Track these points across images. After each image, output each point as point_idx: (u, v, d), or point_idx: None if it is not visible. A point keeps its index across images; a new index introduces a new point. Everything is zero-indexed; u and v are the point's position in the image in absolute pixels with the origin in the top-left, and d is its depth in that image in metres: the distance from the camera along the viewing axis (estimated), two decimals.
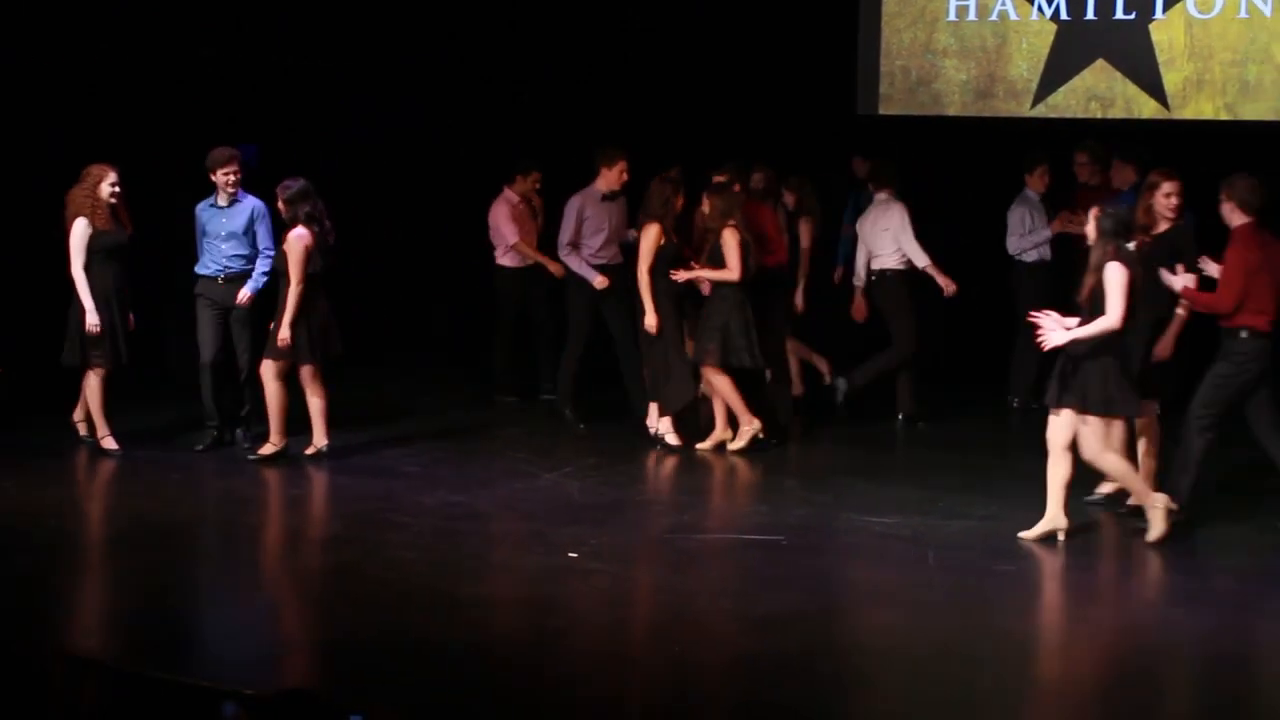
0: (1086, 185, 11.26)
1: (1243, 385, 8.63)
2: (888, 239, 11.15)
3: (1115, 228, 8.28)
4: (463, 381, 12.45)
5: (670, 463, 10.36)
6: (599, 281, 10.83)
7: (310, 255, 9.65)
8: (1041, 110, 12.12)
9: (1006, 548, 8.50)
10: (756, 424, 10.29)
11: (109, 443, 10.09)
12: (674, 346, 10.36)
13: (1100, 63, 11.98)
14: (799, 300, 11.33)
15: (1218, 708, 6.75)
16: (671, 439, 10.49)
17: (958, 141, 12.22)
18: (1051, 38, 12.18)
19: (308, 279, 9.67)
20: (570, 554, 8.32)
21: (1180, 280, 8.78)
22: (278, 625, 7.65)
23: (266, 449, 9.98)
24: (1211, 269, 8.77)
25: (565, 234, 10.88)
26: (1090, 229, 8.41)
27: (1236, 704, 6.75)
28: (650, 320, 10.25)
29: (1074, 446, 8.41)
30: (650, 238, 10.20)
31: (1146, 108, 11.83)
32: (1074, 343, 8.32)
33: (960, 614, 7.65)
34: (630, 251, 10.70)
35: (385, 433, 10.82)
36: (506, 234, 11.61)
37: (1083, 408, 8.30)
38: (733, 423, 10.40)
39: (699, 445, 10.48)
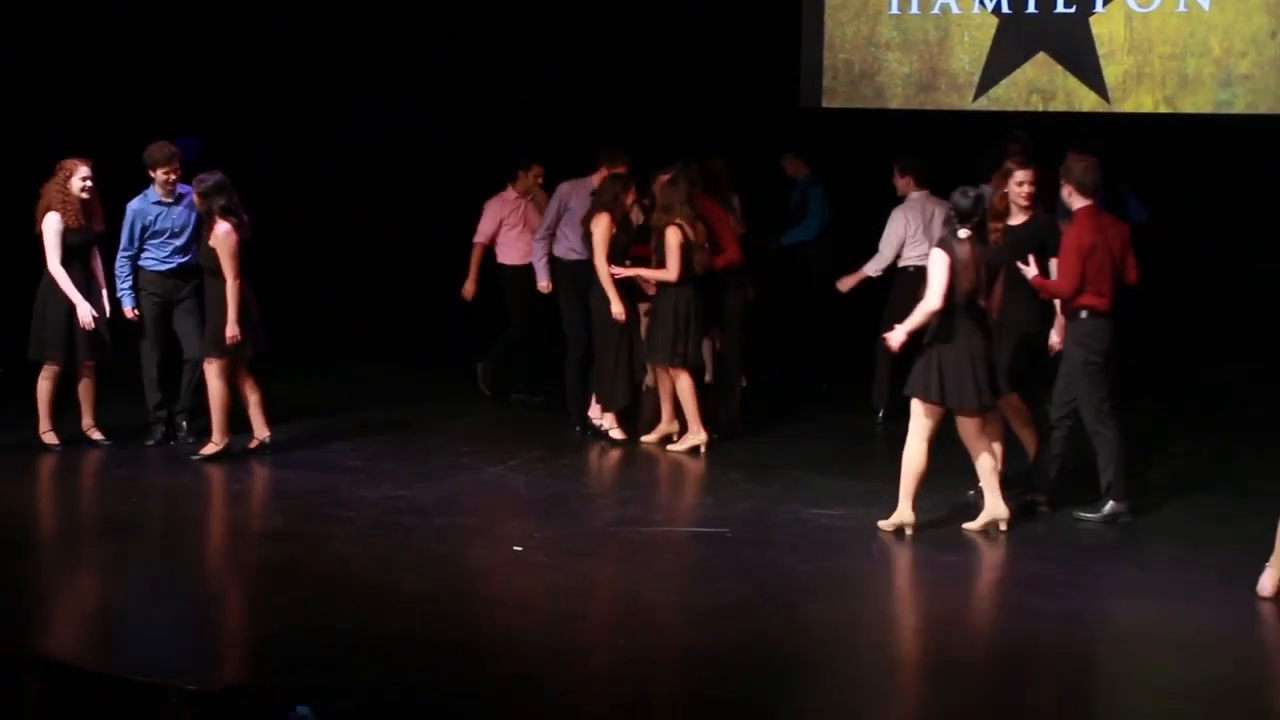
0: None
1: (1092, 370, 8.64)
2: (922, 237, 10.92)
3: (957, 213, 8.30)
4: (459, 380, 12.32)
5: (615, 456, 10.36)
6: (543, 285, 10.90)
7: (239, 249, 9.56)
8: (983, 103, 12.22)
9: (949, 539, 8.55)
10: (704, 437, 10.28)
11: (50, 438, 10.04)
12: (624, 344, 10.33)
13: (1041, 56, 12.11)
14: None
15: (1170, 693, 6.80)
16: (615, 433, 10.51)
17: (900, 134, 12.19)
18: (993, 31, 12.27)
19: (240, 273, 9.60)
20: (515, 548, 8.33)
21: (1031, 269, 8.78)
22: (219, 621, 7.58)
23: (210, 448, 9.91)
24: (1029, 271, 8.77)
25: (545, 221, 10.90)
26: None
27: (1187, 692, 6.79)
28: (616, 308, 10.20)
29: (990, 433, 8.52)
30: (602, 227, 10.18)
31: (1087, 100, 11.93)
32: (913, 334, 8.39)
33: (904, 604, 7.73)
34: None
35: (332, 426, 10.82)
36: (481, 227, 11.52)
37: (913, 393, 8.44)
38: (681, 419, 10.39)
39: (644, 438, 10.51)
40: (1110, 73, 11.86)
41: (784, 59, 12.68)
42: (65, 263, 9.82)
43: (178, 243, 10.12)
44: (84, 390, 10.07)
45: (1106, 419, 8.71)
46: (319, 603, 7.48)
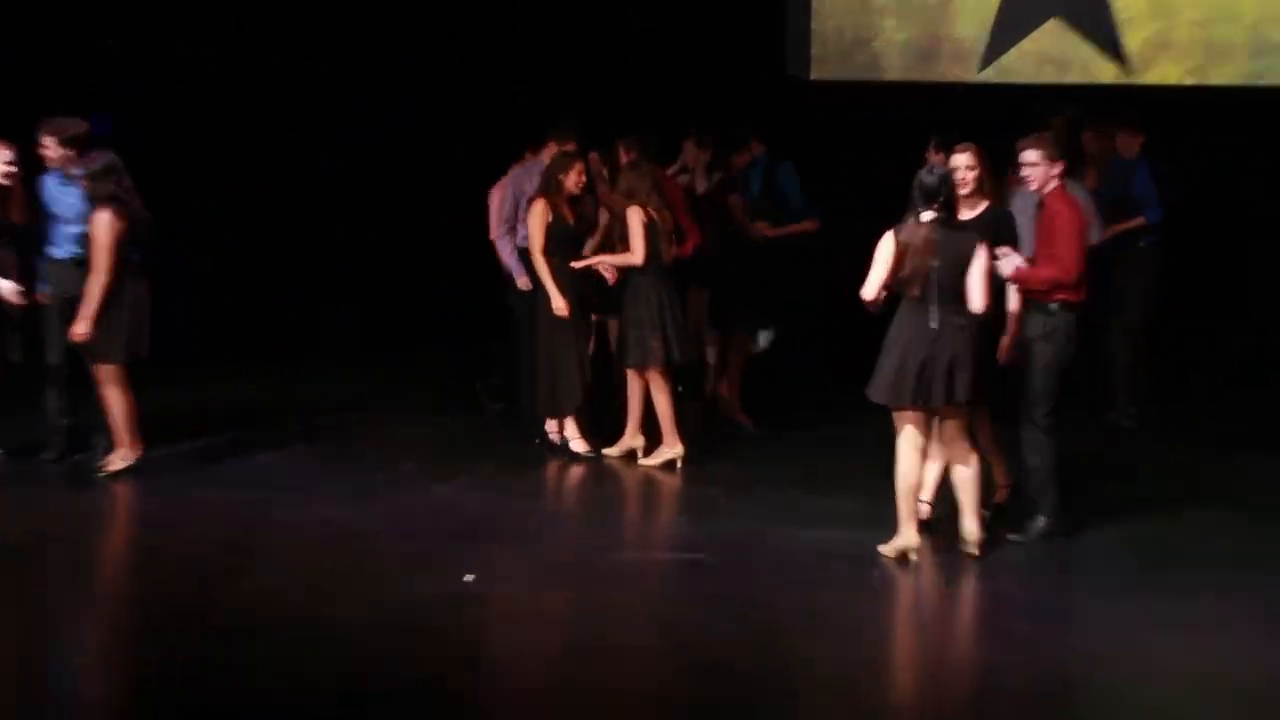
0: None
1: (1057, 371, 8.31)
2: None
3: (921, 193, 7.96)
4: (433, 381, 12.33)
5: (578, 472, 10.12)
6: (522, 283, 10.51)
7: (119, 241, 9.27)
8: (990, 74, 11.88)
9: (959, 563, 8.23)
10: (679, 450, 10.00)
11: None
12: (568, 343, 10.03)
13: (1054, 22, 11.71)
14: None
15: None
16: (577, 444, 10.20)
17: (897, 109, 11.82)
18: None
19: (118, 267, 9.27)
20: (466, 577, 7.90)
21: (1009, 263, 8.20)
22: (120, 663, 7.13)
23: (116, 462, 9.52)
24: (1011, 263, 8.22)
25: (503, 214, 10.72)
26: None
27: None
28: (558, 302, 9.90)
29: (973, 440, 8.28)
30: (536, 215, 9.95)
31: (1105, 71, 11.59)
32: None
33: (906, 647, 7.49)
34: None
35: (277, 433, 10.66)
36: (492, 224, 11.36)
37: (881, 399, 8.18)
38: (650, 432, 10.10)
39: (606, 451, 10.22)
40: (1131, 40, 11.50)
41: (768, 25, 12.47)
42: None
43: (73, 230, 9.66)
44: None
45: (1054, 428, 8.36)
46: (239, 640, 7.13)
